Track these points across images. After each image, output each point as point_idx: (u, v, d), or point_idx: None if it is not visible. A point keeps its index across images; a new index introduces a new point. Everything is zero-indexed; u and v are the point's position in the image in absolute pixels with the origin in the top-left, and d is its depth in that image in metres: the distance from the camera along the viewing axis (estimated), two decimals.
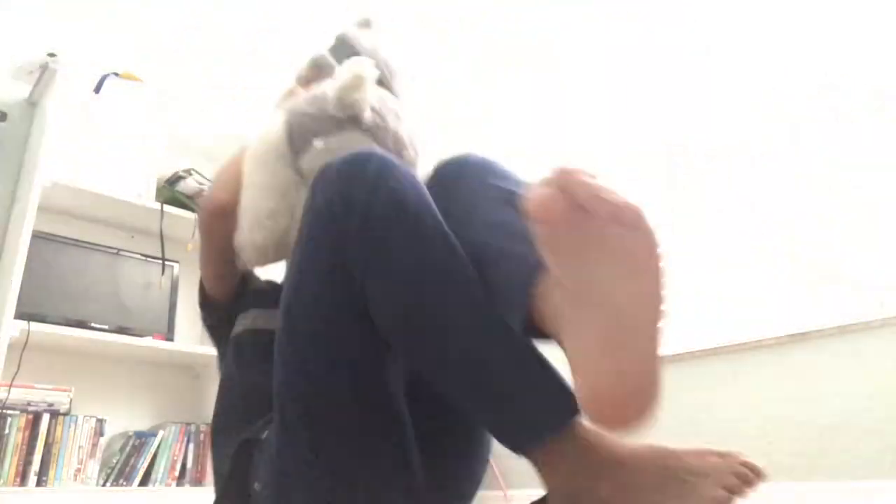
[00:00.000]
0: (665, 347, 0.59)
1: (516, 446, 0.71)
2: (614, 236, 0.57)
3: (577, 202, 0.55)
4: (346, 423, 0.75)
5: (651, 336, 0.57)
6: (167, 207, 2.26)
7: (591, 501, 0.68)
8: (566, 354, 0.63)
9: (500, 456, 2.78)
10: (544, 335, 0.67)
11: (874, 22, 2.14)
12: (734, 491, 0.64)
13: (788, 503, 2.06)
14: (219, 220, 1.05)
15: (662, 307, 0.57)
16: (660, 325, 0.57)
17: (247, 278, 1.18)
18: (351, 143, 0.93)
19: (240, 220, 1.03)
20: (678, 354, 2.44)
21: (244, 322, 1.08)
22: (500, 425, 0.72)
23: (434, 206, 0.76)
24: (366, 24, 1.22)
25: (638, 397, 0.59)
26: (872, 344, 2.02)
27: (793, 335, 2.17)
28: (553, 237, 0.58)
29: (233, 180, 1.05)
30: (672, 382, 2.55)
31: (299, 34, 3.31)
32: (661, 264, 0.57)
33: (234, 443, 0.92)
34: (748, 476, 0.65)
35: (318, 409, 0.75)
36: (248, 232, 1.00)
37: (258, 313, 1.06)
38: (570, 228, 0.56)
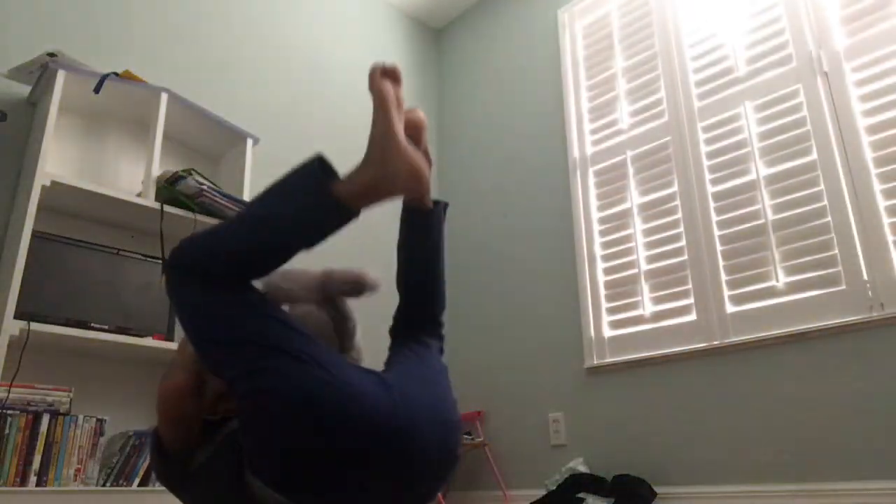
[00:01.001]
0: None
1: (337, 211, 1.02)
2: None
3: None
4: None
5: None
6: (167, 207, 2.25)
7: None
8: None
9: (501, 456, 2.78)
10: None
11: None
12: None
13: (788, 503, 2.06)
14: (178, 400, 1.17)
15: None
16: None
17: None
18: (309, 314, 1.24)
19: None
20: (677, 354, 2.44)
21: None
22: (308, 209, 1.03)
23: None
24: None
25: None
26: (872, 344, 2.02)
27: (793, 335, 2.17)
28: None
29: (191, 360, 1.20)
30: (673, 382, 2.58)
31: (299, 34, 3.32)
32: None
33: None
34: None
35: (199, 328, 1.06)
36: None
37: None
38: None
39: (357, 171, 1.03)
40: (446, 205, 1.35)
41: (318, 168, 1.02)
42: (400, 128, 1.04)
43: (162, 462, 1.22)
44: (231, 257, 1.05)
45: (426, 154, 1.19)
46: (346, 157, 3.58)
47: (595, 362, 2.69)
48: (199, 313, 1.05)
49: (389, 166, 1.02)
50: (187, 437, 1.18)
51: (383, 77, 1.06)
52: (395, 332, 1.31)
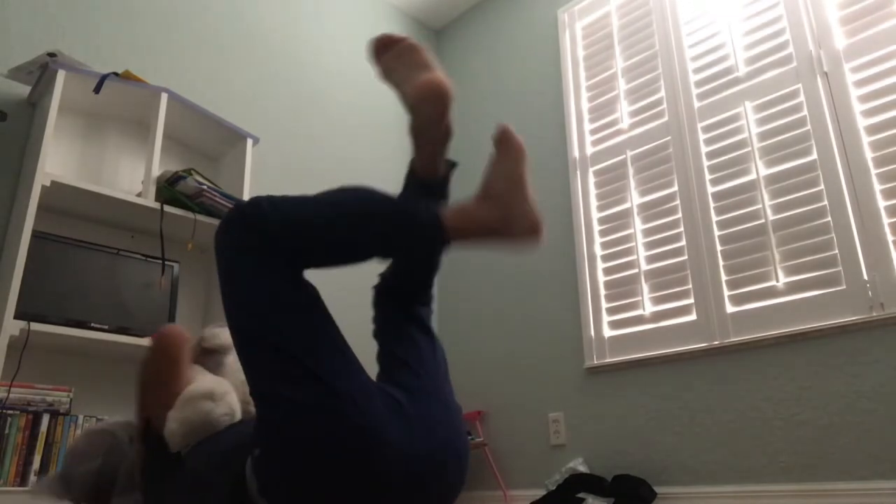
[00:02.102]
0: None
1: (435, 234, 1.00)
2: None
3: None
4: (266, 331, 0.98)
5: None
6: (167, 207, 2.25)
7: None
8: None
9: (501, 456, 2.78)
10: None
11: None
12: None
13: (788, 503, 2.06)
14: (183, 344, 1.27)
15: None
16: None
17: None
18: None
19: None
20: (677, 354, 2.44)
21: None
22: (412, 234, 1.01)
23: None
24: None
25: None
26: (872, 344, 2.02)
27: (793, 335, 2.17)
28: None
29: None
30: (673, 382, 2.57)
31: (299, 33, 3.32)
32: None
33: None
34: None
35: (246, 325, 0.99)
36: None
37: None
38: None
39: (474, 206, 1.01)
40: (455, 164, 1.23)
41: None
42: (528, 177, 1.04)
43: (149, 446, 1.21)
44: (309, 235, 0.99)
45: (447, 127, 1.11)
46: (347, 157, 3.57)
47: (595, 362, 2.69)
48: (250, 293, 0.98)
49: (515, 213, 1.00)
50: (169, 399, 1.19)
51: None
52: (382, 295, 1.24)
